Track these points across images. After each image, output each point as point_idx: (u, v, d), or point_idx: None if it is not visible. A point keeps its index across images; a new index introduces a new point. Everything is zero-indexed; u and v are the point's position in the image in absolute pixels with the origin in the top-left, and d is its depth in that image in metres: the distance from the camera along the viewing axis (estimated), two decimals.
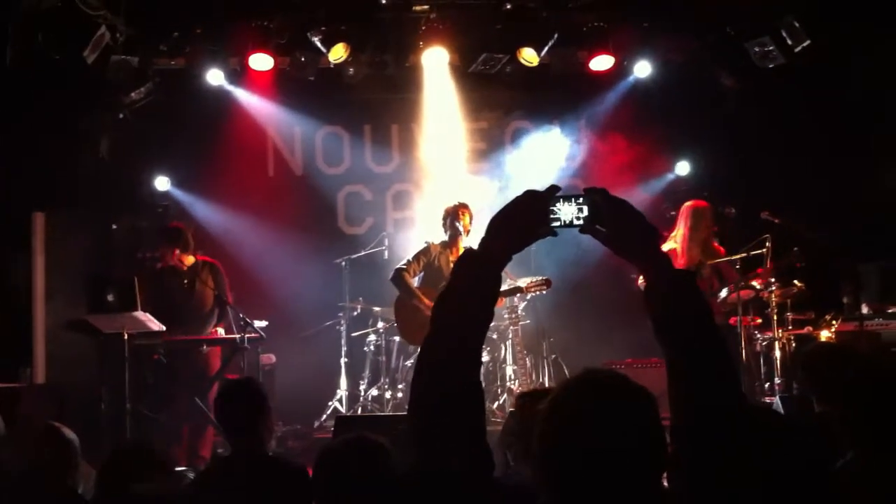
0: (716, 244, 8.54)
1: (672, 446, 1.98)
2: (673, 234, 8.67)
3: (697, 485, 1.96)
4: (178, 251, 8.68)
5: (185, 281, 8.75)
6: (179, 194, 10.51)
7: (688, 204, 8.73)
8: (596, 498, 1.85)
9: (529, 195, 2.21)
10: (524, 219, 2.19)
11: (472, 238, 8.43)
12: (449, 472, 2.03)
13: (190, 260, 8.81)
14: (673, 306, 2.07)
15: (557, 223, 2.18)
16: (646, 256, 2.14)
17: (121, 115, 9.73)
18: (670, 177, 10.85)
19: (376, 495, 2.84)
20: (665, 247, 8.54)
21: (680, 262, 8.40)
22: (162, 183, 10.45)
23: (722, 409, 1.98)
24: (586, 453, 1.84)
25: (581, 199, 2.18)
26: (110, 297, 7.79)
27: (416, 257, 8.38)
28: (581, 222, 2.17)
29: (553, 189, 2.20)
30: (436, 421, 2.07)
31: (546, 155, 10.59)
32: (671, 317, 2.06)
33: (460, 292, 2.15)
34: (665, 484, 1.98)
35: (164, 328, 8.00)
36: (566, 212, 2.17)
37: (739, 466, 1.94)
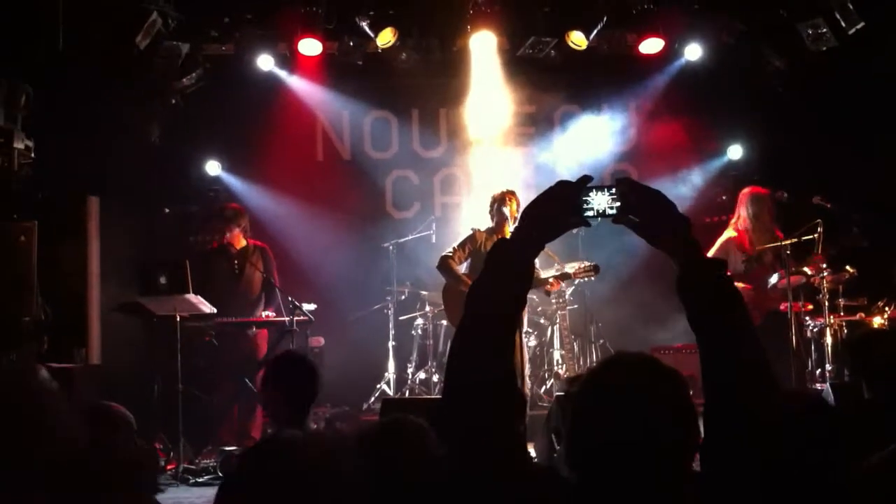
0: (777, 230, 8.45)
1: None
2: (733, 220, 8.60)
3: (719, 471, 1.96)
4: (233, 231, 8.81)
5: (236, 263, 8.86)
6: (230, 179, 10.61)
7: (745, 190, 8.65)
8: (622, 478, 1.87)
9: (562, 185, 2.22)
10: (557, 209, 2.21)
11: None
12: (469, 460, 2.04)
13: (242, 242, 8.93)
14: (703, 295, 2.07)
15: (590, 213, 2.19)
16: (676, 246, 2.14)
17: (172, 101, 9.84)
18: (722, 161, 10.72)
19: (414, 476, 2.86)
20: (725, 234, 8.49)
21: (745, 249, 8.35)
22: (213, 167, 10.54)
23: (748, 399, 1.96)
24: (612, 434, 1.86)
25: (613, 189, 2.19)
26: (162, 280, 7.86)
27: (462, 244, 8.31)
28: (614, 212, 2.19)
29: (585, 179, 2.22)
30: (460, 409, 2.08)
31: (595, 139, 10.54)
32: (702, 305, 2.06)
33: (492, 280, 2.16)
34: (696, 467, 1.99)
35: (214, 310, 8.09)
36: (599, 202, 2.19)
37: (765, 456, 1.93)
